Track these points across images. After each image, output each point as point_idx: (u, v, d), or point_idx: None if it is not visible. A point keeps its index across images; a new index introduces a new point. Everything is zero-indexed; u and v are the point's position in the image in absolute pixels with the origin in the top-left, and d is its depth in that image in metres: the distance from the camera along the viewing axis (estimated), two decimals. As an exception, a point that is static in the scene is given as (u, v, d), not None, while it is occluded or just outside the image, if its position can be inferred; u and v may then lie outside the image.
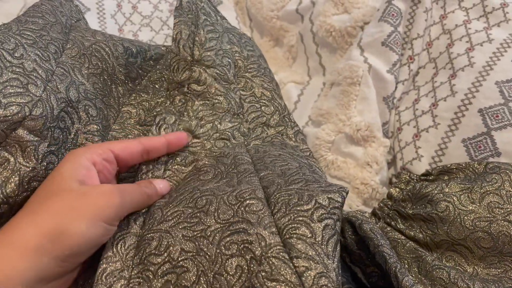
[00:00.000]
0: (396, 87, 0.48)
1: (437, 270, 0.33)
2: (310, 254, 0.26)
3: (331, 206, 0.29)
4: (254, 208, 0.29)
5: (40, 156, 0.32)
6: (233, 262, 0.27)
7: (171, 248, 0.29)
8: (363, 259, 0.36)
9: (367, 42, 0.48)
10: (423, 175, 0.42)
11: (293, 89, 0.55)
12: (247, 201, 0.29)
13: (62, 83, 0.35)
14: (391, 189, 0.42)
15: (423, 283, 0.34)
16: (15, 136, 0.31)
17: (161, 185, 0.34)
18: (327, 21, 0.53)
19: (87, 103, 0.37)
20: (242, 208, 0.29)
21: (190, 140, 0.39)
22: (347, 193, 0.30)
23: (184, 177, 0.35)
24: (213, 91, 0.41)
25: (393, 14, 0.48)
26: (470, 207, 0.35)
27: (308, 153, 0.41)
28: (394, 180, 0.46)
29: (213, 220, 0.29)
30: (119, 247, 0.30)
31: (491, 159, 0.40)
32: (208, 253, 0.28)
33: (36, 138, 0.32)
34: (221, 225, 0.29)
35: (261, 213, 0.28)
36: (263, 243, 0.27)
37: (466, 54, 0.46)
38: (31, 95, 0.32)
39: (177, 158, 0.37)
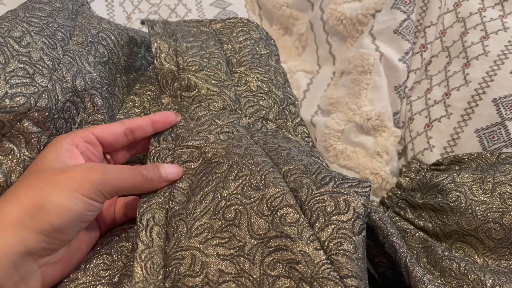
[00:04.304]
0: (408, 76, 0.47)
1: (447, 260, 0.33)
2: (357, 271, 0.26)
3: (365, 213, 0.29)
4: (290, 219, 0.28)
5: (41, 147, 0.33)
6: (281, 284, 0.26)
7: (208, 268, 0.27)
8: (371, 248, 0.35)
9: (379, 30, 0.47)
10: (433, 164, 0.41)
11: (302, 78, 0.55)
12: (281, 211, 0.28)
13: (69, 72, 0.35)
14: (401, 178, 0.42)
15: (432, 273, 0.33)
16: (20, 127, 0.31)
17: (168, 170, 0.33)
18: (337, 9, 0.52)
19: (93, 92, 0.37)
20: (277, 220, 0.28)
21: (180, 119, 0.38)
22: (370, 187, 0.31)
23: (194, 172, 0.33)
24: (205, 92, 0.40)
25: (406, 1, 0.47)
26: (482, 198, 0.35)
27: (308, 149, 0.41)
28: (404, 170, 0.46)
29: (248, 235, 0.28)
30: (148, 268, 0.28)
31: (504, 150, 0.39)
32: (253, 275, 0.27)
33: (39, 130, 0.32)
34: (259, 241, 0.28)
35: (299, 225, 0.28)
36: (310, 263, 0.26)
37: (480, 42, 0.45)
38: (37, 85, 0.32)
39: (182, 156, 0.35)
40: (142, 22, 0.44)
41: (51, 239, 0.28)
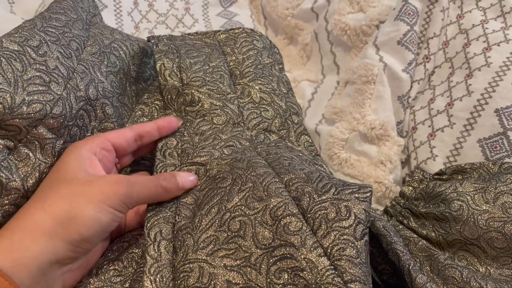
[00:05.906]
0: (411, 86, 0.48)
1: (450, 269, 0.33)
2: (360, 276, 0.26)
3: (367, 219, 0.29)
4: (293, 228, 0.29)
5: (56, 153, 0.34)
6: None
7: (216, 280, 0.28)
8: (375, 256, 0.36)
9: (383, 41, 0.48)
10: (436, 174, 0.42)
11: (307, 87, 0.55)
12: (284, 220, 0.29)
13: (82, 81, 0.36)
14: (404, 187, 0.42)
15: (435, 281, 0.34)
16: (35, 133, 0.32)
17: (184, 179, 0.34)
18: (342, 20, 0.53)
19: (104, 101, 0.38)
20: (281, 229, 0.29)
21: (182, 124, 0.39)
22: (371, 192, 0.31)
23: (199, 188, 0.34)
24: (208, 106, 0.41)
25: (409, 13, 0.48)
26: (484, 207, 0.35)
27: (311, 157, 0.42)
28: (407, 179, 0.46)
29: (253, 246, 0.29)
30: (158, 282, 0.29)
31: (507, 160, 0.39)
32: (260, 285, 0.27)
33: (54, 136, 0.33)
34: (264, 251, 0.29)
35: (302, 233, 0.28)
36: (314, 269, 0.27)
37: (483, 54, 0.46)
38: (52, 93, 0.33)
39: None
40: (148, 40, 0.45)
41: (78, 248, 0.29)
